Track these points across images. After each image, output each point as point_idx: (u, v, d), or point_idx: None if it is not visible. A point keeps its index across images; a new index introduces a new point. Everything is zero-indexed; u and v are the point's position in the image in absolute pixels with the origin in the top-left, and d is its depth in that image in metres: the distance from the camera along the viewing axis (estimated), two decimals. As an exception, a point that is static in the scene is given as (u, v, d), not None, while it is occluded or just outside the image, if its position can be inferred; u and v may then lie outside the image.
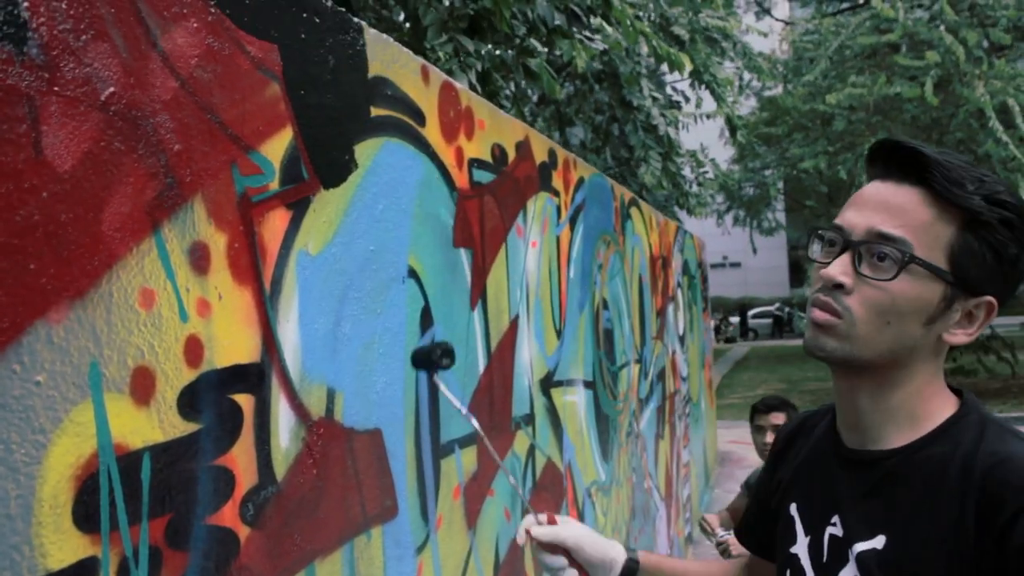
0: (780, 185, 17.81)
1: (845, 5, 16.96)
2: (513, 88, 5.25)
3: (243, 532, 1.22)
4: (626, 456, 4.19)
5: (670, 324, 6.19)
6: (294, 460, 1.36)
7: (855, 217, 1.17)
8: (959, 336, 1.16)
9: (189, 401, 1.13)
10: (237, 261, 1.24)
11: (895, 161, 1.16)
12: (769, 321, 33.81)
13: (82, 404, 0.96)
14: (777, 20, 19.28)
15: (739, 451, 10.93)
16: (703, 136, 11.98)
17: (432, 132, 1.93)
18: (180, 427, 1.11)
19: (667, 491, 5.64)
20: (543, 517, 1.54)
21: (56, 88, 0.94)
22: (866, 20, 12.01)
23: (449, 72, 3.51)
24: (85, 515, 0.95)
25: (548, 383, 2.80)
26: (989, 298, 1.15)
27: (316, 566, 1.40)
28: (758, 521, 1.48)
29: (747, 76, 11.71)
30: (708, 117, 7.52)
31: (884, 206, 1.15)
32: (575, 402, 3.16)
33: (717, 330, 32.69)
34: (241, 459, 1.23)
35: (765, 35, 12.62)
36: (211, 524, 1.16)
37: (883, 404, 1.19)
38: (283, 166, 1.36)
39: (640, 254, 4.91)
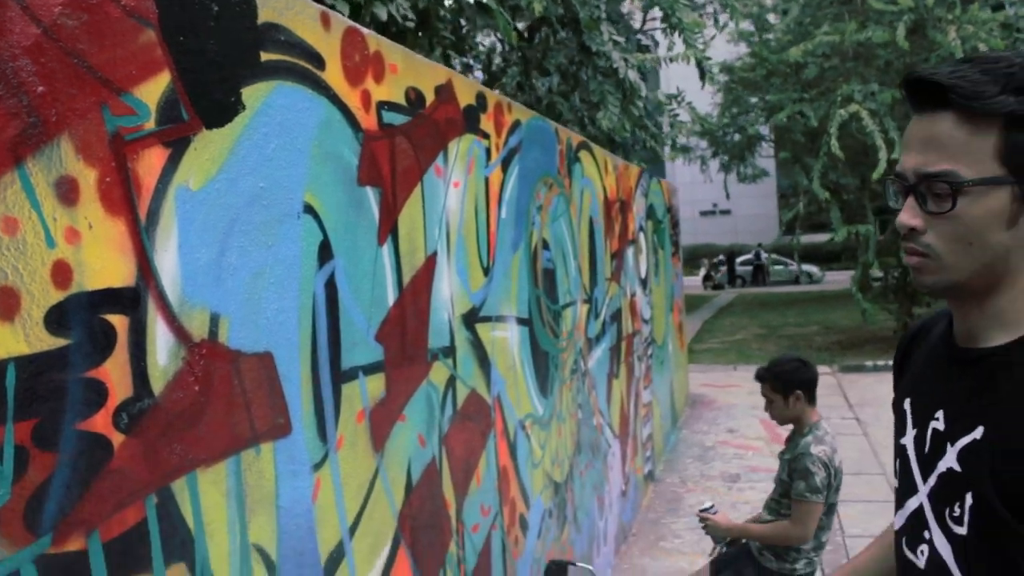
0: (762, 130, 17.80)
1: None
2: (469, 32, 5.30)
3: (116, 439, 1.36)
4: (570, 392, 4.35)
5: (629, 266, 6.32)
6: (173, 377, 1.49)
7: (906, 160, 1.25)
8: None
9: (57, 319, 1.25)
10: (109, 194, 1.36)
11: (919, 94, 1.22)
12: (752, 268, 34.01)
13: (-58, 317, 1.08)
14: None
15: (711, 394, 11.17)
16: (686, 82, 12.01)
17: (333, 76, 2.03)
18: (47, 341, 1.24)
19: (622, 429, 5.82)
20: None
21: (-89, 34, 1.05)
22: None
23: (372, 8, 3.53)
24: (-53, 414, 1.08)
25: (473, 318, 2.94)
26: None
27: (199, 474, 1.54)
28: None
29: (723, 18, 11.68)
30: (672, 61, 7.55)
31: (923, 142, 1.23)
32: (506, 337, 3.30)
33: (707, 277, 32.85)
34: (114, 373, 1.36)
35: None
36: (81, 430, 1.29)
37: (991, 309, 1.26)
38: (160, 107, 1.47)
39: (591, 197, 5.02)
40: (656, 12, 8.79)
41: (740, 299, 26.46)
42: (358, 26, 2.17)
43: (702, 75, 8.55)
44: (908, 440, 1.36)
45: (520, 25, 7.20)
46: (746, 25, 16.09)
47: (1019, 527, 1.16)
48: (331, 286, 2.01)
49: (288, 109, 1.84)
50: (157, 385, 1.46)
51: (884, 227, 15.82)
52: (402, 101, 2.41)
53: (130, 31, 1.41)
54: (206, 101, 1.59)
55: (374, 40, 2.25)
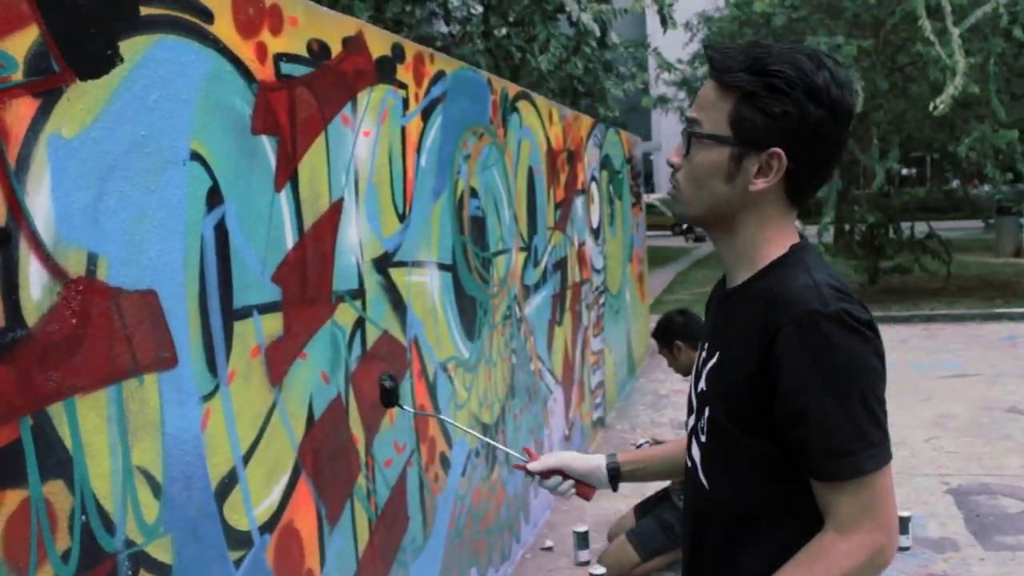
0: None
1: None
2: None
3: (-13, 365, 1.49)
4: (502, 337, 4.50)
5: (577, 216, 6.45)
6: (49, 310, 1.62)
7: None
8: (759, 184, 1.44)
9: (-78, 254, 1.38)
10: (-25, 141, 1.48)
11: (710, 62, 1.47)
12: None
13: None
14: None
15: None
16: (671, 34, 12.09)
17: (223, 29, 2.14)
18: (-88, 275, 1.36)
19: (566, 375, 6.00)
20: (527, 458, 2.03)
21: None
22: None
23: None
24: None
25: (386, 262, 3.07)
26: (775, 149, 1.41)
27: (77, 400, 1.68)
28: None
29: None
30: (627, 11, 7.62)
31: (699, 98, 1.49)
32: (424, 282, 3.43)
33: (688, 229, 32.98)
34: (-17, 305, 1.49)
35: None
36: (-51, 355, 1.42)
37: (731, 251, 1.53)
38: (28, 59, 1.58)
39: (531, 146, 5.13)
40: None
41: (717, 252, 26.64)
42: (253, -19, 2.26)
43: (663, 22, 8.64)
44: (694, 369, 1.64)
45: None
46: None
47: (739, 436, 1.45)
48: (221, 229, 2.13)
49: (171, 62, 1.95)
50: (31, 317, 1.58)
51: (860, 182, 15.99)
52: (303, 52, 2.52)
53: (-5, -12, 1.51)
54: (80, 53, 1.70)
55: (271, -6, 2.35)
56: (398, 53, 3.18)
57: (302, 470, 2.49)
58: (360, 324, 2.87)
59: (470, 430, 2.34)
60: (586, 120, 6.91)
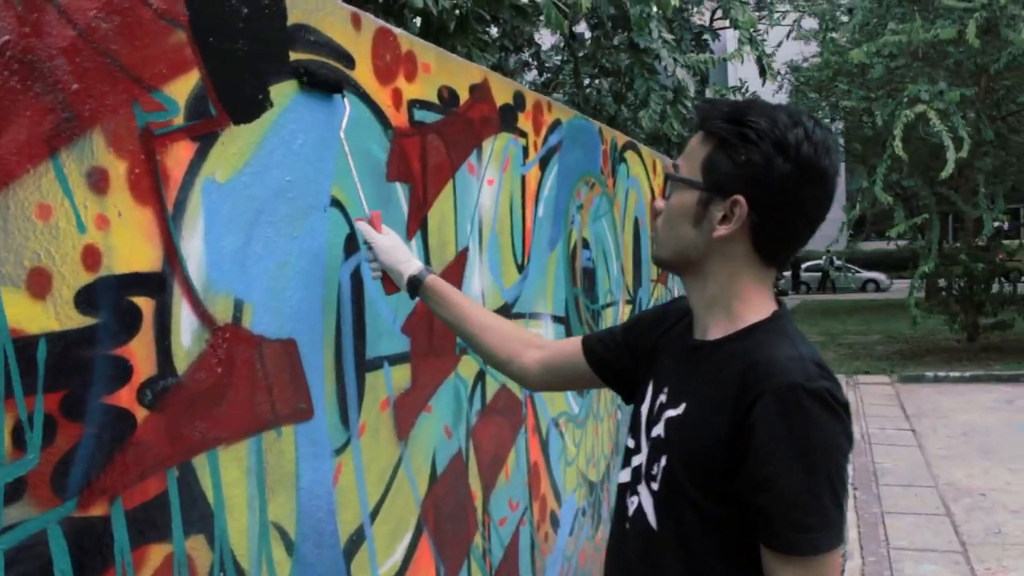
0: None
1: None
2: (508, 30, 5.36)
3: (140, 414, 1.45)
4: (608, 392, 4.39)
5: (677, 269, 6.32)
6: (197, 358, 1.59)
7: None
8: (720, 230, 1.45)
9: (86, 299, 1.35)
10: (138, 185, 1.45)
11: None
12: (819, 275, 33.61)
13: (-21, 294, 1.18)
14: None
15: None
16: (755, 80, 11.95)
17: (363, 75, 2.11)
18: (77, 320, 1.33)
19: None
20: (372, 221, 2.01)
21: (-46, 35, 1.15)
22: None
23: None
24: (-21, 384, 1.18)
25: (506, 313, 3.00)
26: (737, 196, 1.43)
27: (220, 452, 1.63)
28: (615, 340, 1.83)
29: (780, 14, 11.61)
30: (727, 60, 7.52)
31: (686, 146, 1.54)
32: (540, 334, 3.36)
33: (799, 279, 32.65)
34: (139, 351, 1.45)
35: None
36: (107, 403, 1.39)
37: (700, 299, 1.53)
38: (189, 104, 1.56)
39: (637, 197, 5.05)
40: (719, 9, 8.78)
41: (803, 306, 26.13)
42: (390, 27, 2.25)
43: (762, 72, 8.53)
44: (643, 408, 1.60)
45: (572, 25, 7.26)
46: (811, 23, 15.94)
47: (691, 489, 1.42)
48: (357, 278, 2.09)
49: (316, 107, 1.93)
50: (181, 365, 1.55)
51: (950, 233, 15.53)
52: (434, 99, 2.49)
53: (161, 32, 1.50)
54: (234, 98, 1.68)
55: (407, 40, 2.33)
56: (519, 101, 3.15)
57: (424, 527, 2.41)
58: (481, 377, 2.80)
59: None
60: (686, 171, 6.81)
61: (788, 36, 15.93)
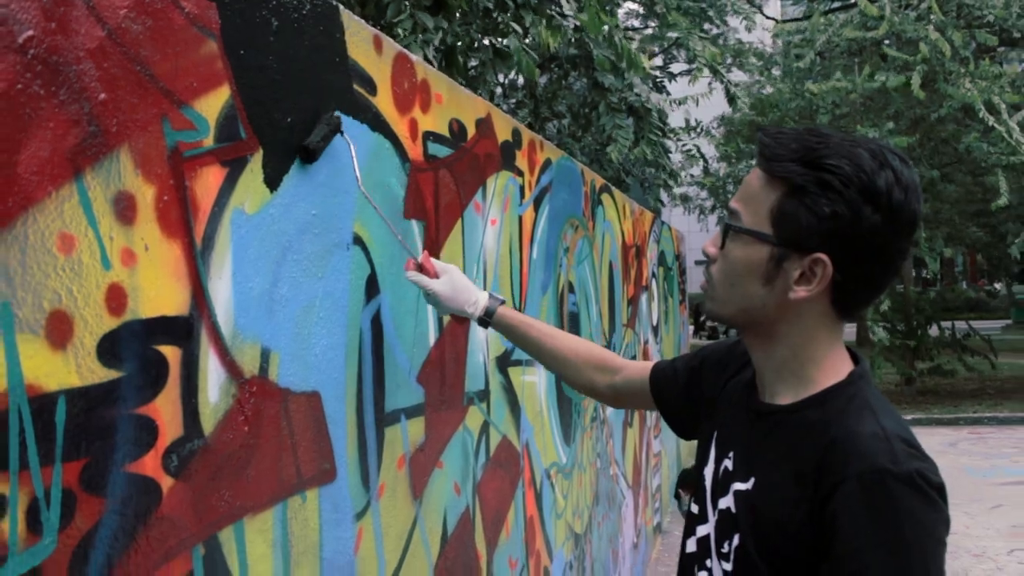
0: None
1: (836, 4, 17.01)
2: (482, 72, 5.25)
3: (166, 483, 1.23)
4: (590, 441, 4.21)
5: (643, 313, 6.22)
6: (224, 416, 1.37)
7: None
8: (799, 292, 1.26)
9: (110, 348, 1.13)
10: (166, 214, 1.25)
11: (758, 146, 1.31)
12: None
13: (-8, 343, 0.97)
14: (768, 18, 19.27)
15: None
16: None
17: (384, 102, 1.93)
18: (100, 373, 1.12)
19: (635, 479, 5.68)
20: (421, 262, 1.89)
21: (-29, 28, 0.95)
22: (853, 17, 12.09)
23: (407, 48, 3.50)
24: (-8, 453, 0.96)
25: (506, 361, 2.82)
26: (819, 255, 1.24)
27: (246, 523, 1.41)
28: (678, 380, 1.68)
29: (733, 72, 11.78)
30: (693, 100, 7.54)
31: (743, 187, 1.33)
32: (535, 382, 3.18)
33: (701, 326, 32.71)
34: (165, 409, 1.24)
35: (750, 29, 12.69)
36: (131, 472, 1.16)
37: (769, 363, 1.35)
38: (219, 123, 1.37)
39: (611, 240, 4.93)
40: (673, 52, 8.81)
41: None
42: (407, 52, 2.08)
43: (730, 101, 8.55)
44: (708, 471, 1.43)
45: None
46: (744, 77, 16.20)
47: (767, 572, 1.26)
48: (377, 323, 1.89)
49: (339, 136, 1.74)
50: (207, 424, 1.33)
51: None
52: (446, 133, 2.32)
53: (193, 40, 1.31)
54: (263, 119, 1.48)
55: (421, 68, 2.16)
56: (517, 138, 2.99)
57: (436, 596, 2.19)
58: (485, 429, 2.60)
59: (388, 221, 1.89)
60: (648, 215, 6.74)
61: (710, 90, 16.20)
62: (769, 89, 15.57)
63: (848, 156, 1.22)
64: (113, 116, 1.15)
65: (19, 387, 1.00)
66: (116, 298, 1.15)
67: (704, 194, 19.82)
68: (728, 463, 1.39)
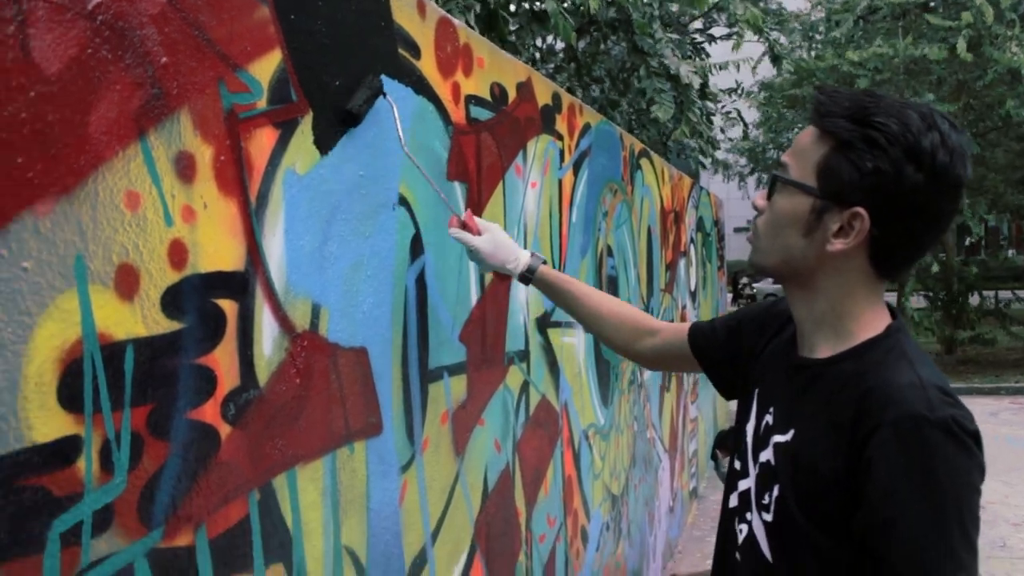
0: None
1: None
2: (521, 36, 5.24)
3: (224, 430, 1.30)
4: (627, 404, 4.26)
5: (681, 278, 6.23)
6: (277, 368, 1.43)
7: None
8: (836, 245, 1.30)
9: (172, 301, 1.19)
10: (223, 173, 1.30)
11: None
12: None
13: (67, 292, 1.03)
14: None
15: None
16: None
17: (427, 66, 1.97)
18: (163, 324, 1.18)
19: (671, 443, 5.72)
20: (465, 220, 1.94)
21: (44, -6, 1.00)
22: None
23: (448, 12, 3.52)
24: (69, 396, 1.02)
25: (545, 323, 2.86)
26: (857, 208, 1.27)
27: (298, 471, 1.48)
28: (717, 337, 1.71)
29: (773, 35, 11.59)
30: (733, 58, 7.46)
31: (793, 141, 1.37)
32: (573, 344, 3.22)
33: (740, 293, 32.58)
34: (223, 360, 1.30)
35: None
36: (192, 419, 1.23)
37: (808, 314, 1.39)
38: (271, 86, 1.41)
39: (650, 205, 4.94)
40: (713, 16, 8.71)
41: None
42: (450, 16, 2.11)
43: (774, 60, 8.44)
44: (749, 427, 1.47)
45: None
46: (785, 41, 15.97)
47: (806, 524, 1.29)
48: (421, 282, 1.94)
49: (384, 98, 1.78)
50: (262, 376, 1.39)
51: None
52: (487, 96, 2.35)
53: (246, 6, 1.35)
54: (313, 82, 1.53)
55: (464, 32, 2.19)
56: (557, 102, 3.01)
57: (477, 547, 2.26)
58: (525, 388, 2.65)
59: (431, 180, 1.94)
60: (687, 180, 6.72)
61: (762, 56, 15.96)
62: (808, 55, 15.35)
63: (897, 116, 1.25)
64: (174, 79, 1.20)
65: (92, 335, 1.06)
66: (178, 253, 1.21)
67: (743, 160, 19.64)
68: (769, 418, 1.42)
